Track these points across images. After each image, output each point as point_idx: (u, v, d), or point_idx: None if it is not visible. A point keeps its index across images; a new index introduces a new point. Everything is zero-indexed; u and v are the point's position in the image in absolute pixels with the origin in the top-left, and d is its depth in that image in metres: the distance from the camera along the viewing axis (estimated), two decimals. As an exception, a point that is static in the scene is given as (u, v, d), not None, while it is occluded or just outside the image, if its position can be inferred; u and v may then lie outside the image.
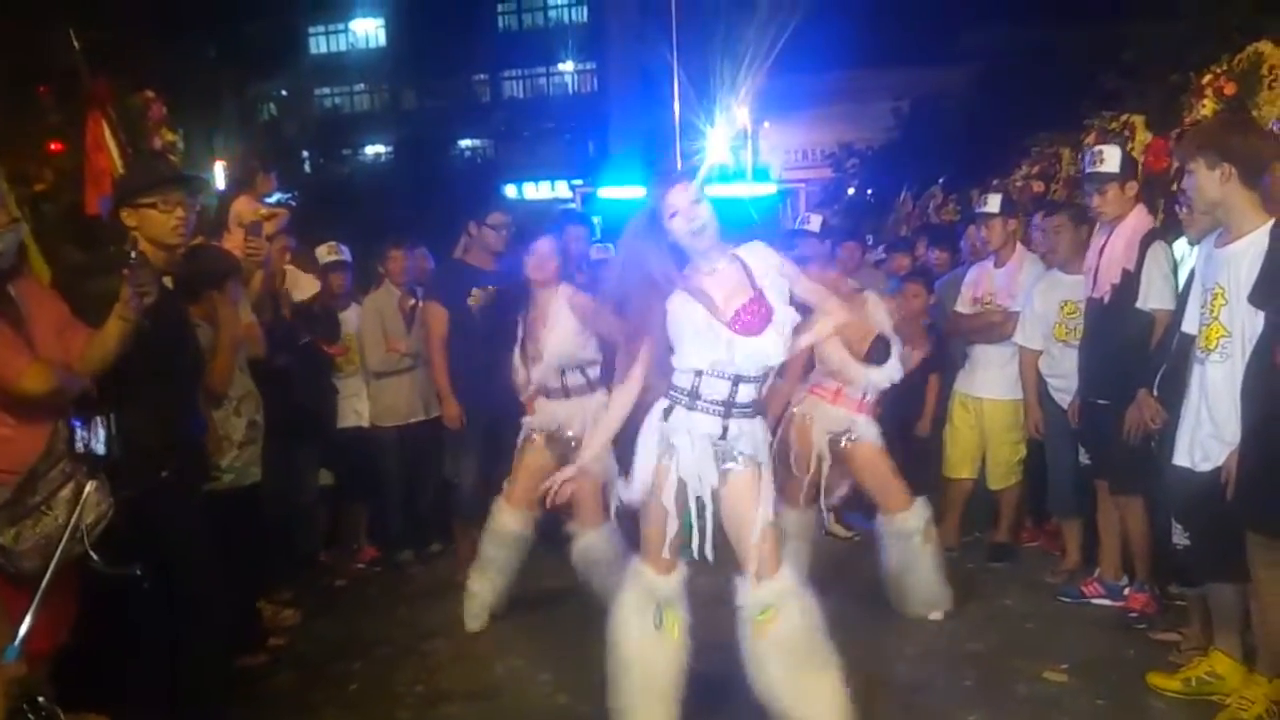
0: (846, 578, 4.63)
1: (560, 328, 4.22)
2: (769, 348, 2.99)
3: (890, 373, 4.27)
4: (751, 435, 3.08)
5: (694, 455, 3.02)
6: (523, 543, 4.32)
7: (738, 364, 2.98)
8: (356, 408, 5.37)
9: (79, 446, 2.67)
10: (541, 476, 4.28)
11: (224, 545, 3.31)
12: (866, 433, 4.31)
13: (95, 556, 2.65)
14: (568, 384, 4.28)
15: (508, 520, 4.30)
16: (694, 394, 3.02)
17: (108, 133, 4.47)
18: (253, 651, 4.01)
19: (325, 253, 5.44)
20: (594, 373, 4.31)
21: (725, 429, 3.03)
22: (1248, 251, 3.06)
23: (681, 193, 2.98)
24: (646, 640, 3.10)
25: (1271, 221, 3.07)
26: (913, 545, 4.23)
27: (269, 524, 4.32)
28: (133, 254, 2.79)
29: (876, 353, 4.20)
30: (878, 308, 4.36)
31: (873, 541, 4.41)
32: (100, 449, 2.68)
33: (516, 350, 4.36)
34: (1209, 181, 3.16)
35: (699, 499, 3.05)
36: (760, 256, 3.08)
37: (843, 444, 4.31)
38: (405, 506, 5.43)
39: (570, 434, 4.24)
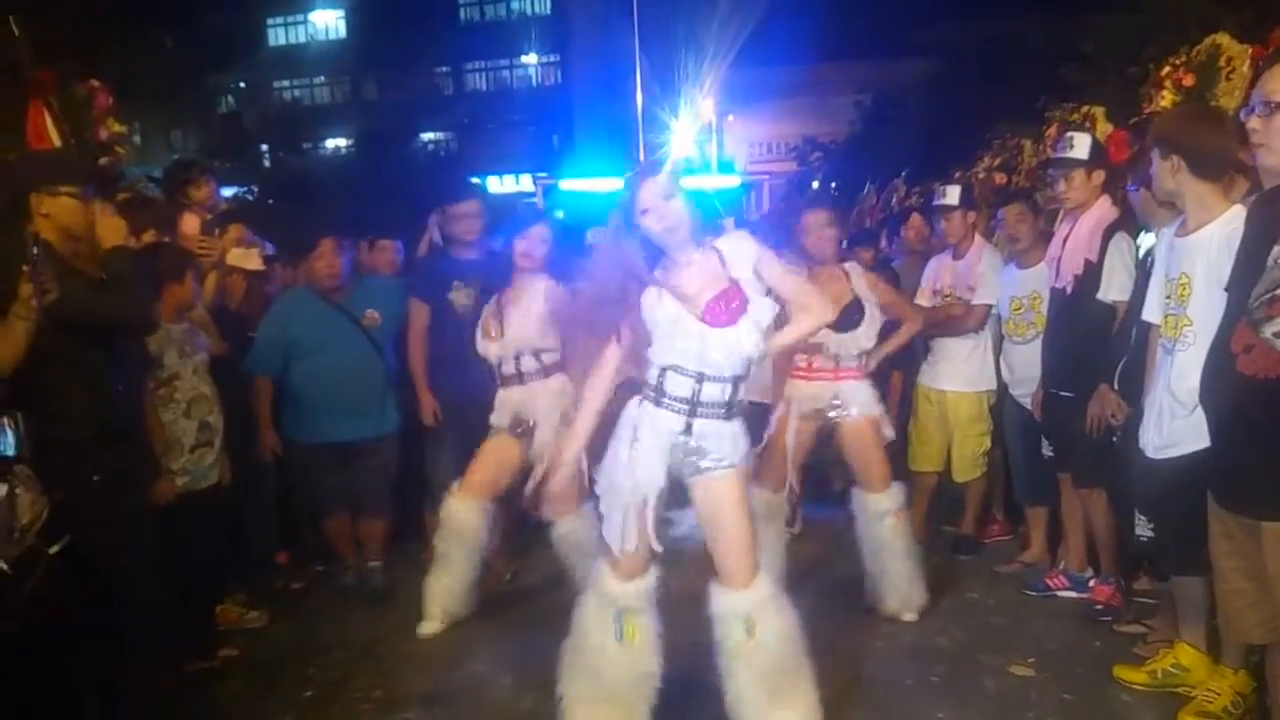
0: (814, 575, 4.60)
1: (529, 312, 4.15)
2: (743, 339, 2.90)
3: (860, 339, 4.23)
4: (720, 437, 2.99)
5: (653, 451, 2.96)
6: (478, 536, 4.18)
7: (708, 358, 2.91)
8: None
9: None
10: (502, 466, 4.22)
11: (179, 548, 3.20)
12: (854, 399, 4.24)
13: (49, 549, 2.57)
14: (523, 369, 4.20)
15: (460, 511, 4.16)
16: (659, 390, 2.97)
17: (50, 122, 4.33)
18: (206, 657, 3.91)
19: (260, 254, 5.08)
20: (550, 358, 4.22)
21: (689, 426, 2.96)
22: (1211, 240, 3.04)
23: (651, 188, 2.93)
24: (606, 651, 3.03)
25: (1235, 207, 3.03)
26: (885, 527, 4.17)
27: (225, 525, 4.23)
28: (34, 249, 2.64)
29: (845, 318, 4.11)
30: (859, 277, 4.32)
31: (839, 539, 4.36)
32: (9, 451, 2.53)
33: (480, 328, 4.24)
34: (1163, 173, 3.19)
35: (644, 497, 2.97)
36: (738, 247, 2.98)
37: (831, 416, 4.25)
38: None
39: (529, 418, 4.16)
